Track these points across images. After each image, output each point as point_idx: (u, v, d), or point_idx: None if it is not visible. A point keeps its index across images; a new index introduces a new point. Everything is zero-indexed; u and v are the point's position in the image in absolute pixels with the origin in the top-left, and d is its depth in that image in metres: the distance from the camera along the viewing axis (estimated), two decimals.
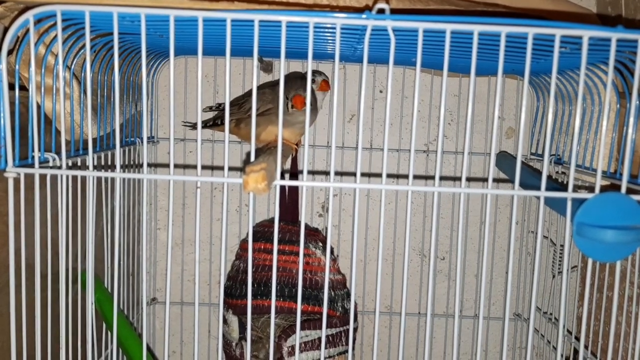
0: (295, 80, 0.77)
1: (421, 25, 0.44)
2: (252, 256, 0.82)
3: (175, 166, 0.94)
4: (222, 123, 0.82)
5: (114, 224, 0.75)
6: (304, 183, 0.49)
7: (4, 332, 0.54)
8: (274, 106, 0.76)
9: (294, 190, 0.87)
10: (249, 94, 0.85)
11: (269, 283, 0.80)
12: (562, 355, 0.82)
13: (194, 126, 0.90)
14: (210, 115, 0.87)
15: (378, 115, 0.93)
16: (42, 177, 0.53)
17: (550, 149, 0.82)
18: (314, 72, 0.82)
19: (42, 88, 0.55)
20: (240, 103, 0.81)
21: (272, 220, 0.90)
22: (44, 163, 0.54)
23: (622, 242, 0.46)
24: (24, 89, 0.56)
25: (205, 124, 0.84)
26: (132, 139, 0.82)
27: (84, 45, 0.58)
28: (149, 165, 0.92)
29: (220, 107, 0.87)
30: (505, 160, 0.86)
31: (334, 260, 0.87)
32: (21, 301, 0.51)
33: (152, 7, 0.45)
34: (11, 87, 0.53)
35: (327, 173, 0.94)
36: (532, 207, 0.91)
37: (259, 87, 0.83)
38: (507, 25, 0.44)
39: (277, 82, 0.82)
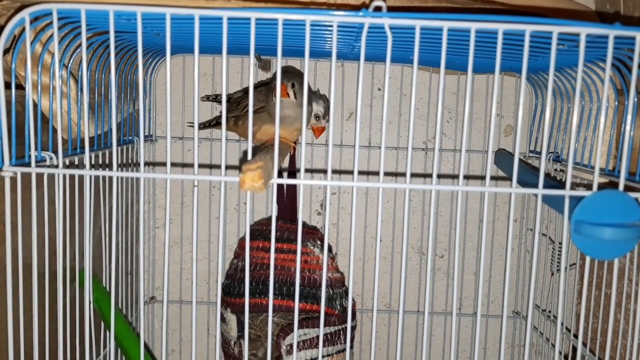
0: (292, 74, 0.77)
1: (418, 23, 0.44)
2: (250, 255, 0.82)
3: (173, 165, 0.93)
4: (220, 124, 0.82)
5: (111, 222, 0.74)
6: (302, 181, 0.49)
7: (2, 331, 0.54)
8: (266, 104, 0.76)
9: (292, 189, 0.87)
10: (246, 90, 0.85)
11: (267, 281, 0.80)
12: (560, 353, 0.82)
13: (199, 125, 0.90)
14: (208, 107, 0.87)
15: (376, 113, 0.93)
16: (39, 176, 0.53)
17: (548, 147, 0.81)
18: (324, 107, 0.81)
19: (39, 87, 0.55)
20: (238, 101, 0.81)
21: (270, 219, 0.90)
22: (41, 162, 0.54)
23: (620, 240, 0.46)
24: (20, 87, 0.56)
25: (209, 124, 0.83)
26: (130, 138, 0.81)
27: (80, 44, 0.58)
28: (147, 163, 0.92)
29: (217, 98, 0.87)
30: (503, 158, 0.86)
31: (332, 258, 0.87)
32: (19, 300, 0.51)
33: (148, 5, 0.45)
34: (7, 86, 0.53)
35: (325, 171, 0.94)
36: (531, 205, 0.91)
37: (258, 86, 0.83)
38: (504, 23, 0.44)
39: (279, 76, 0.82)
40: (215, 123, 0.84)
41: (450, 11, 0.54)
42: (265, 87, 0.80)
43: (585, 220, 0.46)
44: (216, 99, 0.88)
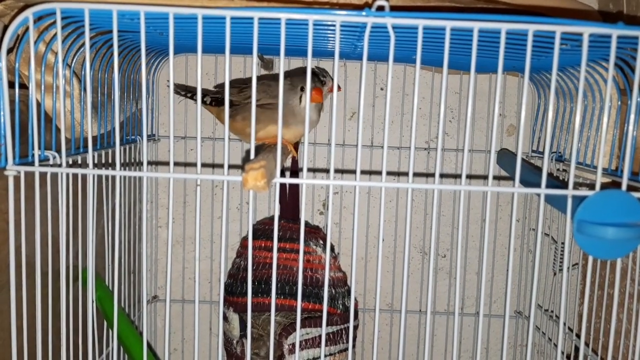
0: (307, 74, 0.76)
1: (421, 22, 0.44)
2: (252, 254, 0.82)
3: (176, 164, 0.94)
4: (217, 104, 0.78)
5: (114, 221, 0.75)
6: (304, 181, 0.49)
7: (5, 330, 0.54)
8: (276, 102, 0.74)
9: (295, 188, 0.87)
10: (244, 81, 0.82)
11: (269, 281, 0.80)
12: (562, 353, 0.82)
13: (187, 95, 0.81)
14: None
15: (379, 112, 0.93)
16: (43, 175, 0.53)
17: (551, 146, 0.81)
18: (325, 74, 0.79)
19: (42, 86, 0.55)
20: (241, 87, 0.76)
21: (272, 218, 0.90)
22: (44, 161, 0.54)
23: (622, 239, 0.46)
24: (24, 87, 0.56)
25: (203, 99, 0.77)
26: (133, 137, 0.82)
27: (84, 43, 0.58)
28: (150, 163, 0.92)
29: (190, 95, 0.81)
30: (506, 157, 0.86)
31: (334, 257, 0.87)
32: (22, 299, 0.51)
33: (152, 4, 0.45)
34: (11, 85, 0.53)
35: (327, 171, 0.94)
36: (533, 205, 0.91)
37: (261, 78, 0.81)
38: (507, 22, 0.44)
39: (281, 76, 0.79)
40: (210, 102, 0.78)
41: (452, 10, 0.54)
42: (274, 82, 0.75)
43: (587, 219, 0.46)
44: (188, 95, 0.81)
